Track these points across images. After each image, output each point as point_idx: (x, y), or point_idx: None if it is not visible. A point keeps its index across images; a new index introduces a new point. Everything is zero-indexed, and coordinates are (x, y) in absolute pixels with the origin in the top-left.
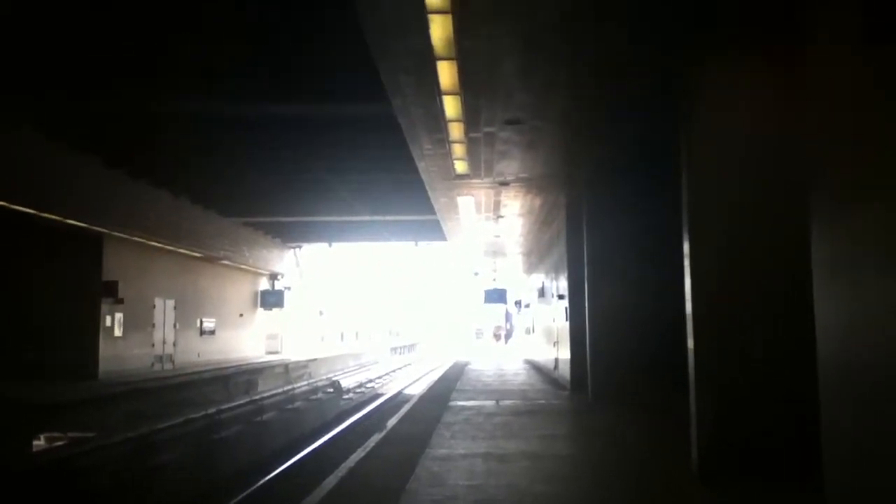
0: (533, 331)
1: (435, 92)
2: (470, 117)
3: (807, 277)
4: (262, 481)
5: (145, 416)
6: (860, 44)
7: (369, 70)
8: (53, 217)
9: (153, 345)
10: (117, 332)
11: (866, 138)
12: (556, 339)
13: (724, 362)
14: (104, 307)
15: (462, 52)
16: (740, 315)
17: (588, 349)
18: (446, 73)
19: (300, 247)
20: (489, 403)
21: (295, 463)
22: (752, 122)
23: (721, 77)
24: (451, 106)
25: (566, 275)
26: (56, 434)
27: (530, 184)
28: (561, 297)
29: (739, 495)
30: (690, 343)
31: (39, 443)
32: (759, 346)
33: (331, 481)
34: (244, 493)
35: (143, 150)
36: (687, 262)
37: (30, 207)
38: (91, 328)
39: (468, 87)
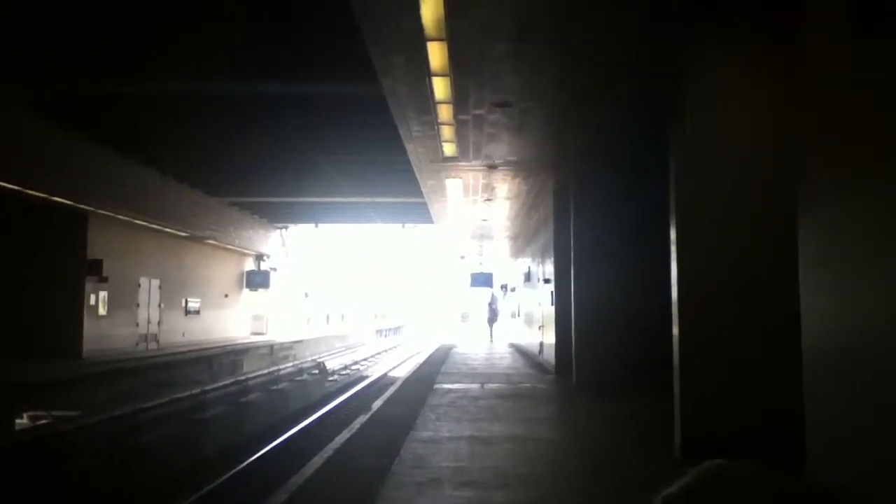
0: (518, 315)
1: (425, 73)
2: (459, 99)
3: (794, 267)
4: (247, 461)
5: (130, 395)
6: (851, 37)
7: (358, 50)
8: (39, 194)
9: (138, 324)
10: (101, 310)
11: (855, 131)
12: (541, 324)
13: (708, 348)
14: (88, 286)
15: (452, 32)
16: (726, 302)
17: (573, 334)
18: (436, 54)
19: (286, 227)
20: (474, 386)
21: (280, 444)
22: (742, 112)
23: (711, 69)
24: (440, 87)
25: (552, 259)
26: (39, 413)
27: (518, 167)
28: (547, 281)
29: None
30: (675, 329)
31: (22, 421)
32: (744, 334)
33: (316, 461)
34: (229, 473)
35: (130, 128)
36: (673, 249)
37: (15, 184)
38: (75, 307)
39: (458, 68)
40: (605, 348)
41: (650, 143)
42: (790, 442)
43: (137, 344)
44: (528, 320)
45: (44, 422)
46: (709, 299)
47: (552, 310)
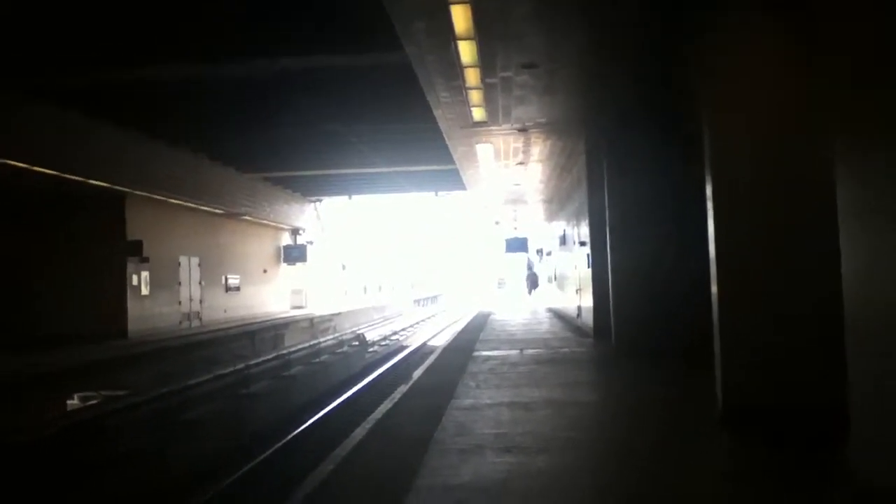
0: (555, 279)
1: (449, 37)
2: (486, 62)
3: (833, 222)
4: (294, 432)
5: (176, 373)
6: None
7: (382, 19)
8: (76, 178)
9: (180, 302)
10: (144, 290)
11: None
12: (578, 287)
13: (749, 307)
14: (130, 266)
15: None
16: (765, 257)
17: (611, 297)
18: (460, 16)
19: (320, 200)
20: (513, 353)
21: (323, 416)
22: (776, 70)
23: (744, 27)
24: (466, 51)
25: (587, 221)
26: (90, 393)
27: (549, 129)
28: (583, 244)
29: (762, 444)
30: (714, 288)
31: (73, 402)
32: (786, 291)
33: (359, 433)
34: (278, 444)
35: (161, 110)
36: (710, 205)
37: (53, 169)
38: (119, 288)
39: (483, 31)
40: (644, 311)
41: (681, 102)
42: (835, 408)
43: (181, 322)
44: (565, 284)
45: (94, 402)
46: (748, 256)
47: (589, 273)
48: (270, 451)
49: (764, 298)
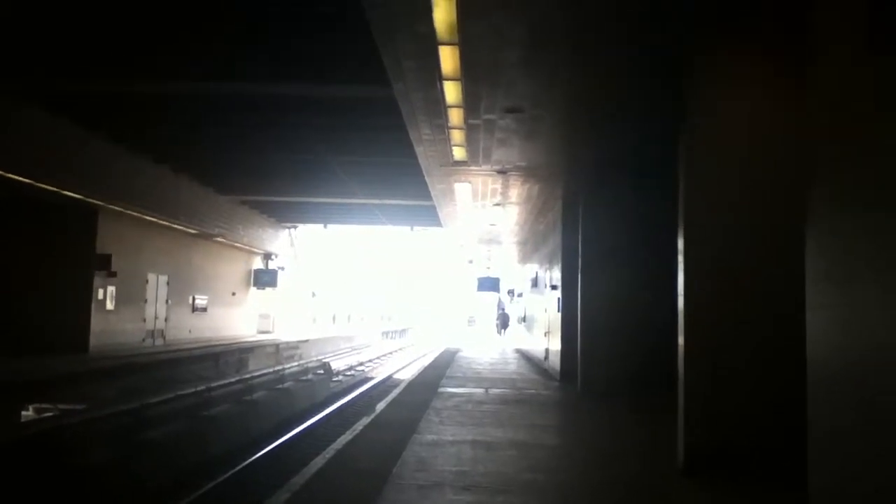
0: (524, 320)
1: (436, 77)
2: (470, 104)
3: (800, 280)
4: (249, 459)
5: (135, 390)
6: (864, 51)
7: (370, 53)
8: (49, 188)
9: (145, 319)
10: (109, 305)
11: (866, 143)
12: (547, 330)
13: (713, 358)
14: (97, 280)
15: (465, 37)
16: (732, 315)
17: (579, 341)
18: (448, 58)
19: (295, 227)
20: (479, 391)
21: (283, 443)
22: (752, 124)
23: (720, 78)
24: (451, 92)
25: (560, 265)
26: (45, 405)
27: (528, 173)
28: (554, 287)
29: (723, 492)
30: (681, 339)
31: (28, 413)
32: (750, 347)
33: (318, 462)
34: (231, 471)
35: (142, 126)
36: (681, 259)
37: (26, 177)
38: (83, 301)
39: (470, 73)
40: (611, 356)
41: (660, 155)
42: (796, 456)
43: (144, 340)
44: (534, 326)
45: (49, 414)
46: (715, 309)
47: (559, 316)
48: (226, 475)
49: (729, 352)
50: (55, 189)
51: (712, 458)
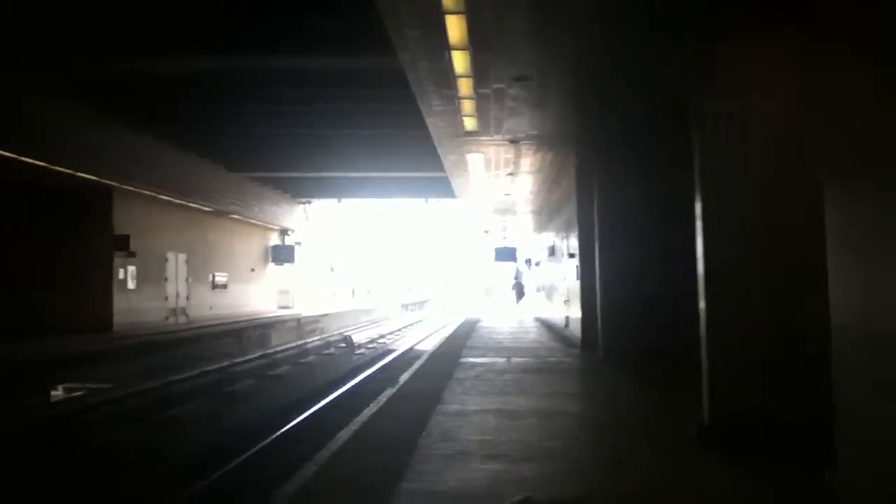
0: (543, 289)
1: (443, 47)
2: (479, 73)
3: (821, 244)
4: (276, 434)
5: (160, 368)
6: (877, 21)
7: (378, 23)
8: (64, 170)
9: (166, 298)
10: (130, 285)
11: (881, 112)
12: (566, 298)
13: (735, 323)
14: (117, 261)
15: (471, 5)
16: (753, 274)
17: (599, 308)
18: (455, 27)
19: (310, 202)
20: (500, 360)
21: (308, 416)
22: (771, 85)
23: (736, 47)
24: (459, 61)
25: (577, 233)
26: (74, 385)
27: (540, 142)
28: (571, 255)
29: (745, 461)
30: (702, 303)
31: (57, 393)
32: (773, 312)
33: (344, 435)
34: (260, 445)
35: (151, 105)
36: (699, 224)
37: (41, 160)
38: (105, 281)
39: (476, 41)
40: (631, 324)
41: (672, 118)
42: (819, 427)
43: (167, 318)
44: (554, 294)
45: (78, 393)
46: (736, 274)
47: (577, 284)
48: (256, 447)
49: (751, 315)
50: (70, 172)
51: (735, 426)
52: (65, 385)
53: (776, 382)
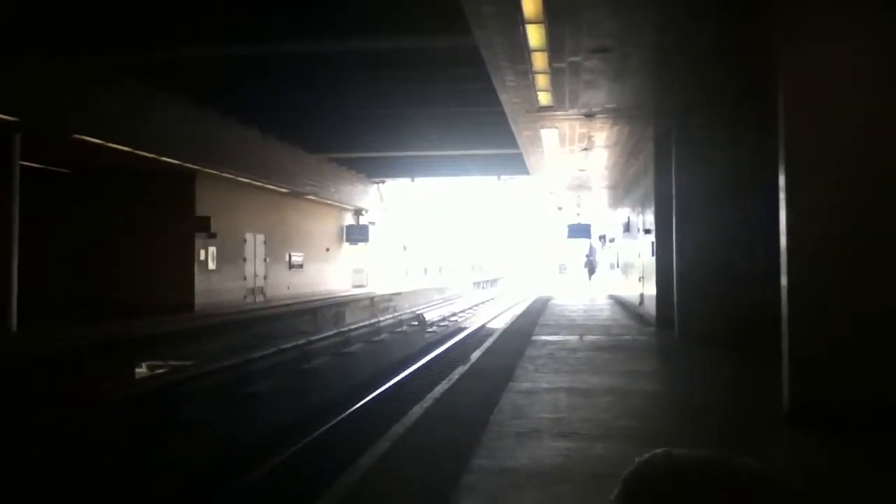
0: (617, 266)
1: (518, 21)
2: (554, 47)
3: None
4: (351, 409)
5: (240, 346)
6: None
7: (451, 1)
8: (147, 154)
9: (245, 278)
10: (211, 265)
11: None
12: (641, 275)
13: (821, 300)
14: (198, 242)
15: None
16: (841, 254)
17: (675, 286)
18: (530, 0)
19: (384, 182)
20: (573, 338)
21: (380, 393)
22: (860, 55)
23: (823, 12)
24: (534, 35)
25: (653, 209)
26: (157, 363)
27: (617, 115)
28: (647, 231)
29: (830, 441)
30: (784, 280)
31: (142, 370)
32: (862, 288)
33: (416, 411)
34: (336, 419)
35: (231, 89)
36: (783, 197)
37: (127, 146)
38: (187, 262)
39: (552, 14)
40: (709, 301)
41: (756, 89)
42: None
43: (245, 297)
44: (628, 271)
45: (161, 371)
46: (822, 247)
47: (653, 261)
48: (333, 421)
49: (837, 293)
50: (154, 156)
51: (819, 406)
52: (148, 363)
53: (865, 362)
